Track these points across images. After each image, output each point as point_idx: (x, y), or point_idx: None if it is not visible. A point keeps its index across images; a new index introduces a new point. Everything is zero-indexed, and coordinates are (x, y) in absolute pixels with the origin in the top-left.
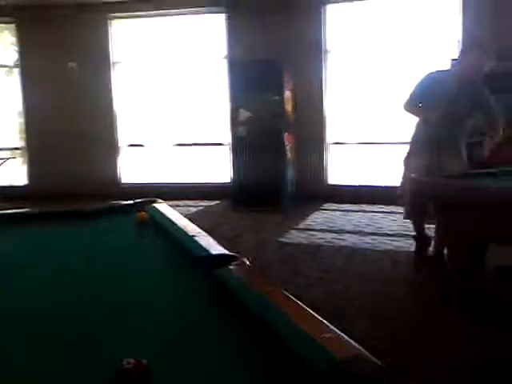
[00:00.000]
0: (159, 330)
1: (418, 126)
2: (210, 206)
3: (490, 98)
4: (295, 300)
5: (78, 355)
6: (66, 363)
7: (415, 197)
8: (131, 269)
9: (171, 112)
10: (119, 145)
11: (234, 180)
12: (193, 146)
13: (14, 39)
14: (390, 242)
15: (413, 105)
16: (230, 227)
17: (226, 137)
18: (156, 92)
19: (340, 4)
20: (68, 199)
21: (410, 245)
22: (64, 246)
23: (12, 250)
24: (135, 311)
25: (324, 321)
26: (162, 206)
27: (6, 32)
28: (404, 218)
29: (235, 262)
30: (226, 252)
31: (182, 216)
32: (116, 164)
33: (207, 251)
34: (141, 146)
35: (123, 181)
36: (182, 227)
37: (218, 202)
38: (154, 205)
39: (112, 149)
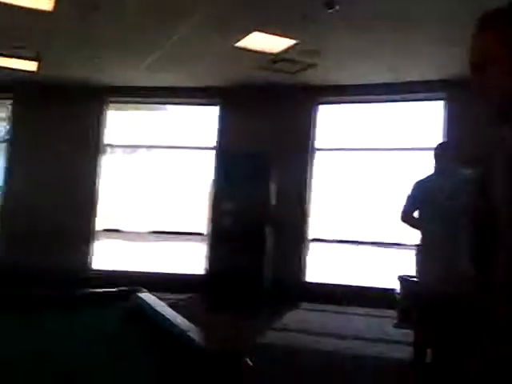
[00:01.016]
0: None
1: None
2: (181, 299)
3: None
4: None
5: None
6: None
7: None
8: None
9: (152, 197)
10: (95, 229)
11: (209, 272)
12: (168, 235)
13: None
14: (369, 346)
15: (408, 217)
16: (204, 324)
17: (202, 226)
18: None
19: (332, 105)
20: None
21: (390, 350)
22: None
23: None
24: None
25: None
26: (148, 296)
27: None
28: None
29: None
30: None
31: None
32: (89, 249)
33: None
34: (117, 231)
35: (95, 267)
36: (176, 321)
37: (189, 295)
38: (140, 294)
39: (86, 233)
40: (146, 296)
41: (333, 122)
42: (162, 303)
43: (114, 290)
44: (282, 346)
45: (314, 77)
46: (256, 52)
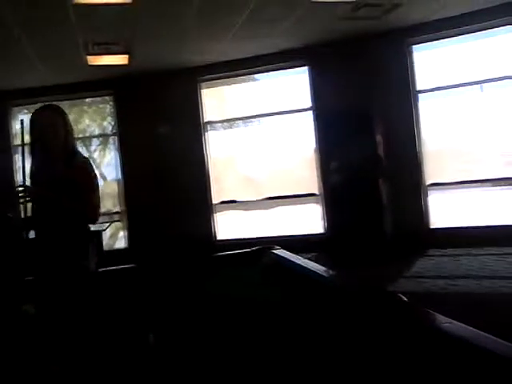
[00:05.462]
0: None
1: None
2: (306, 258)
3: None
4: None
5: None
6: None
7: None
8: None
9: (259, 166)
10: (213, 202)
11: (329, 230)
12: (284, 199)
13: (110, 110)
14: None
15: None
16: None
17: (314, 187)
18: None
19: (427, 44)
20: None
21: None
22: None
23: None
24: None
25: None
26: (283, 252)
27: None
28: None
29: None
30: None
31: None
32: (211, 221)
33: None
34: (233, 202)
35: (219, 237)
36: (316, 268)
37: (313, 254)
38: (274, 251)
39: (206, 207)
40: (281, 251)
41: (431, 61)
42: (297, 256)
43: (253, 248)
44: (418, 293)
45: (402, 17)
46: (335, 3)
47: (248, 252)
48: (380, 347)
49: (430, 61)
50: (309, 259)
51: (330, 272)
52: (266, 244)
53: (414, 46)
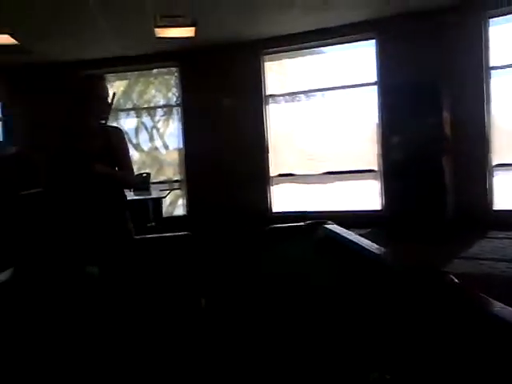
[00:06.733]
0: None
1: None
2: (361, 234)
3: None
4: None
5: None
6: None
7: None
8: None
9: (319, 140)
10: (270, 175)
11: (386, 207)
12: (342, 174)
13: (176, 81)
14: None
15: None
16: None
17: (374, 163)
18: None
19: (504, 17)
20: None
21: None
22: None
23: None
24: None
25: None
26: (335, 227)
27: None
28: None
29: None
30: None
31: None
32: (267, 194)
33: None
34: (290, 175)
35: (274, 210)
36: (368, 245)
37: (368, 229)
38: (327, 226)
39: (263, 179)
40: (334, 227)
41: (508, 36)
42: (350, 232)
43: (306, 222)
44: (479, 275)
45: None
46: None
47: (300, 226)
48: (426, 328)
49: (507, 35)
50: (364, 236)
51: (382, 249)
52: (320, 219)
53: (491, 20)
